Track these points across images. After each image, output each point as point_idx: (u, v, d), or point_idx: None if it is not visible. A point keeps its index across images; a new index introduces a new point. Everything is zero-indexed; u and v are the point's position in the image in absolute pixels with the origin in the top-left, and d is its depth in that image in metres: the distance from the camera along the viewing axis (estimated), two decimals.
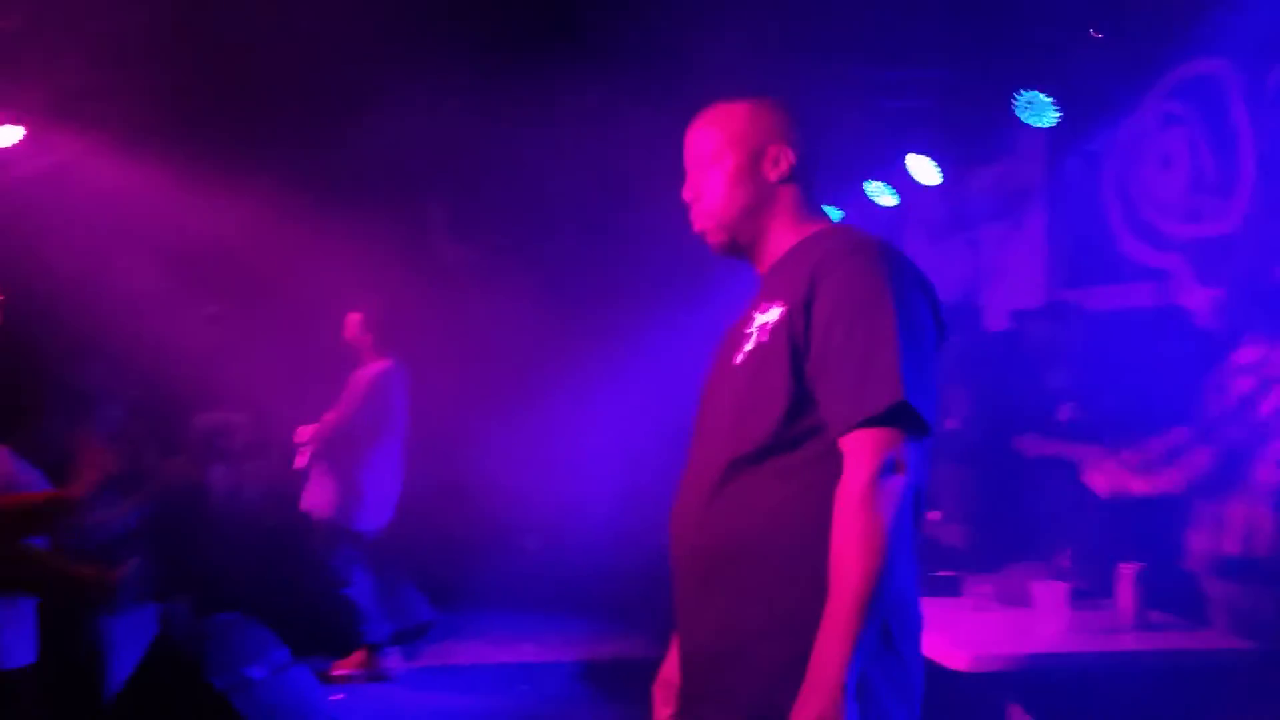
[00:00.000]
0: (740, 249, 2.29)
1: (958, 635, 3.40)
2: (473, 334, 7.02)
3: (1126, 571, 3.54)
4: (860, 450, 1.95)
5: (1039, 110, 5.58)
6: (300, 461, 6.09)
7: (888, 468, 1.93)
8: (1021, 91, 5.43)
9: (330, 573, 6.09)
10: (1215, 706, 3.65)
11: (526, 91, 5.50)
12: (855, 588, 1.88)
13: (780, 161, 2.23)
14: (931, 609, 3.71)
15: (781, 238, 2.24)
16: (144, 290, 5.58)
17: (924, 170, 6.76)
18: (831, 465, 1.99)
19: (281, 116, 6.16)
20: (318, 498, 6.15)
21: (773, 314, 2.11)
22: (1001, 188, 6.70)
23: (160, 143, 5.99)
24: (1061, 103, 5.36)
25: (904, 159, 6.75)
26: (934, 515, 5.50)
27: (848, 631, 1.88)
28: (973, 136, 6.47)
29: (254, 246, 6.10)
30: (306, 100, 6.02)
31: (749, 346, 2.14)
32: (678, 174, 2.31)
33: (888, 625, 2.01)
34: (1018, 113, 5.59)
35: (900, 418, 1.95)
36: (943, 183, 6.84)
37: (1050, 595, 3.48)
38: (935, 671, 3.31)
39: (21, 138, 5.59)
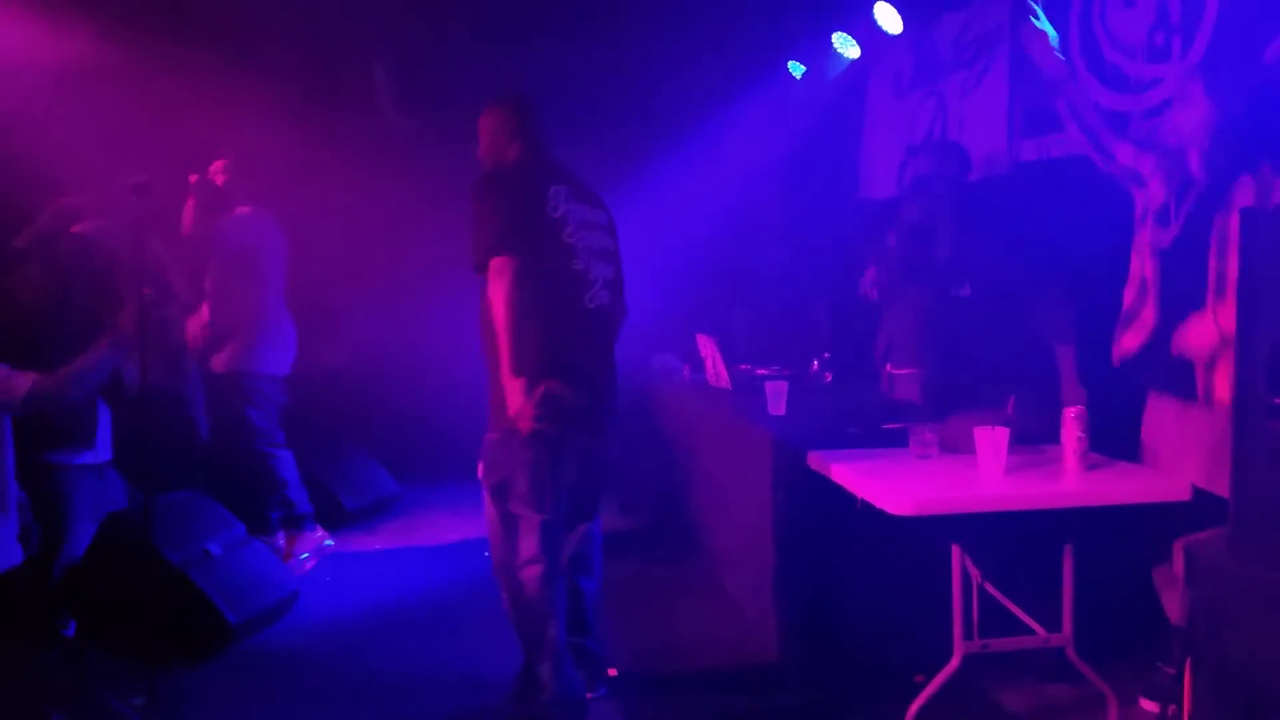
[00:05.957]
0: None
1: (900, 482, 3.36)
2: (422, 202, 6.83)
3: (1069, 415, 3.47)
4: None
5: None
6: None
7: None
8: None
9: (254, 432, 5.85)
10: (1147, 543, 3.63)
11: None
12: None
13: None
14: (877, 459, 3.69)
15: None
16: (62, 160, 5.38)
17: (889, 18, 6.55)
18: None
19: None
20: (220, 354, 5.89)
21: None
22: (966, 35, 6.47)
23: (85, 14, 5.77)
24: None
25: (871, 8, 6.53)
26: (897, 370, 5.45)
27: None
28: None
29: (188, 115, 5.89)
30: None
31: None
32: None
33: None
34: None
35: None
36: (909, 33, 6.63)
37: (990, 440, 3.41)
38: (881, 517, 3.28)
39: None
